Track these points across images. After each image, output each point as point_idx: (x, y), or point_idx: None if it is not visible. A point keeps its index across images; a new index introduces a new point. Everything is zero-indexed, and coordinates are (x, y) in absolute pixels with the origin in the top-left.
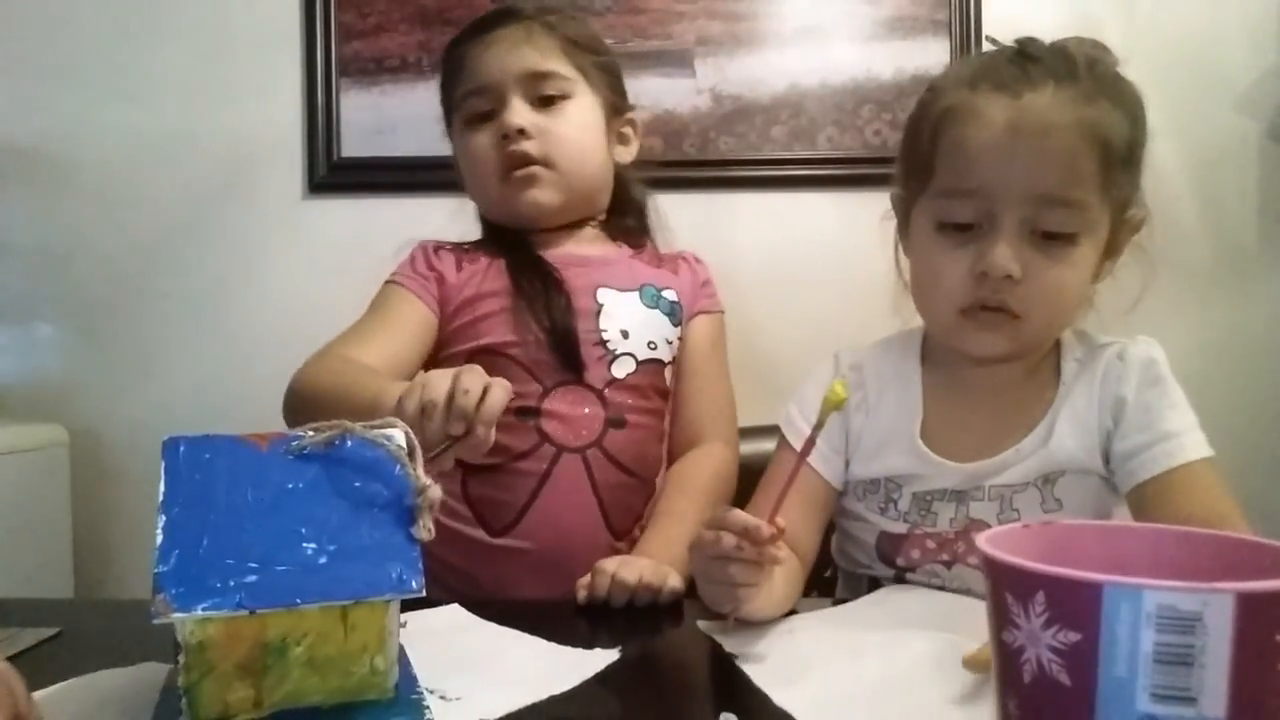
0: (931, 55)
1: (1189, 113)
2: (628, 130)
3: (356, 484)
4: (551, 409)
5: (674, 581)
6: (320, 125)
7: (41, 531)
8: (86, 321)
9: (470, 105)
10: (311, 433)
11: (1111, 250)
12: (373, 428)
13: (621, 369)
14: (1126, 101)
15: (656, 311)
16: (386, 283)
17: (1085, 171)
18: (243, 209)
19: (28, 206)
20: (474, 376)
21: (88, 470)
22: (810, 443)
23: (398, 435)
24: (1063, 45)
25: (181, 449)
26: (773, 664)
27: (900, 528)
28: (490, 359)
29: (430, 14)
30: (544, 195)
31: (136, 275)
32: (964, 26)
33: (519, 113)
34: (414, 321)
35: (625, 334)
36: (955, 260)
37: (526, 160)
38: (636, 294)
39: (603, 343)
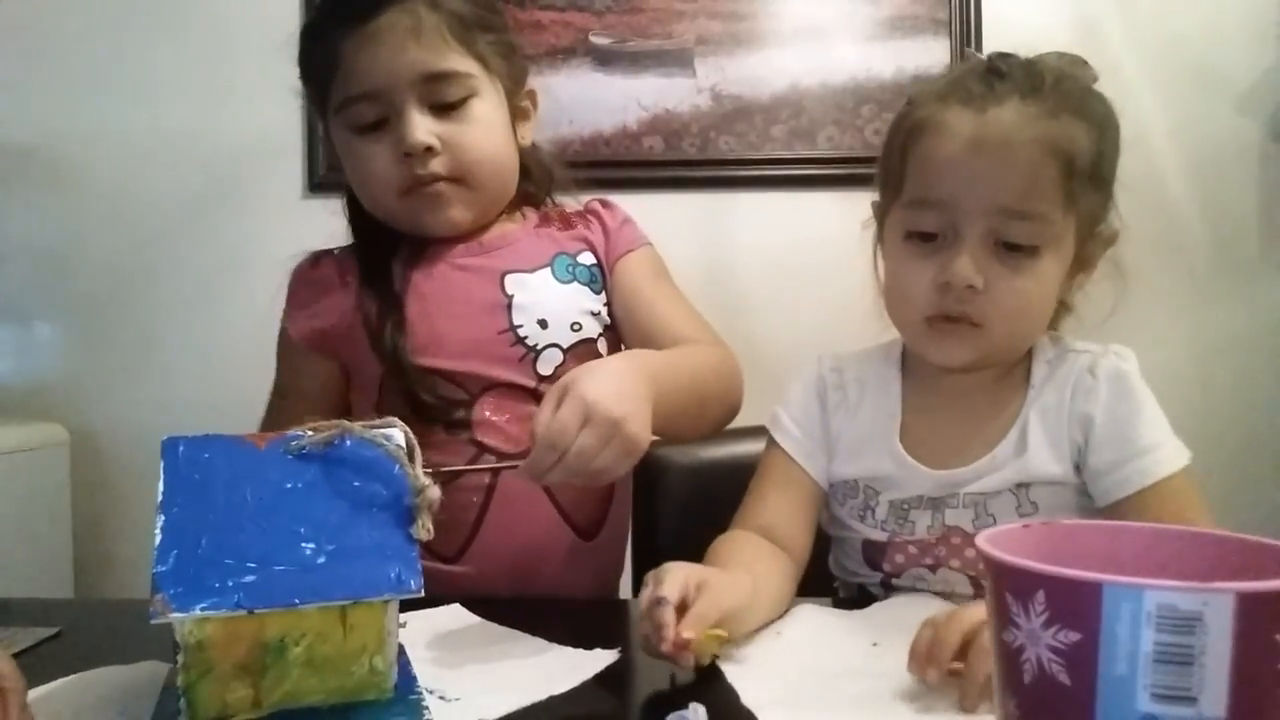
0: (931, 55)
1: (1189, 113)
2: (526, 104)
3: (355, 484)
4: (482, 418)
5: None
6: (320, 125)
7: (41, 531)
8: (86, 321)
9: (357, 112)
10: (310, 432)
11: (1083, 264)
12: (372, 428)
13: (548, 364)
14: (1093, 117)
15: (574, 284)
16: (282, 324)
17: (1046, 185)
18: (243, 209)
19: (28, 206)
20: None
21: (88, 470)
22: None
23: (396, 435)
24: (1033, 60)
25: (181, 449)
26: (752, 667)
27: (880, 535)
28: (409, 373)
29: None
30: (458, 214)
31: (136, 275)
32: (964, 26)
33: (421, 127)
34: (323, 381)
35: (544, 324)
36: (920, 270)
37: (435, 179)
38: (548, 270)
39: (521, 340)
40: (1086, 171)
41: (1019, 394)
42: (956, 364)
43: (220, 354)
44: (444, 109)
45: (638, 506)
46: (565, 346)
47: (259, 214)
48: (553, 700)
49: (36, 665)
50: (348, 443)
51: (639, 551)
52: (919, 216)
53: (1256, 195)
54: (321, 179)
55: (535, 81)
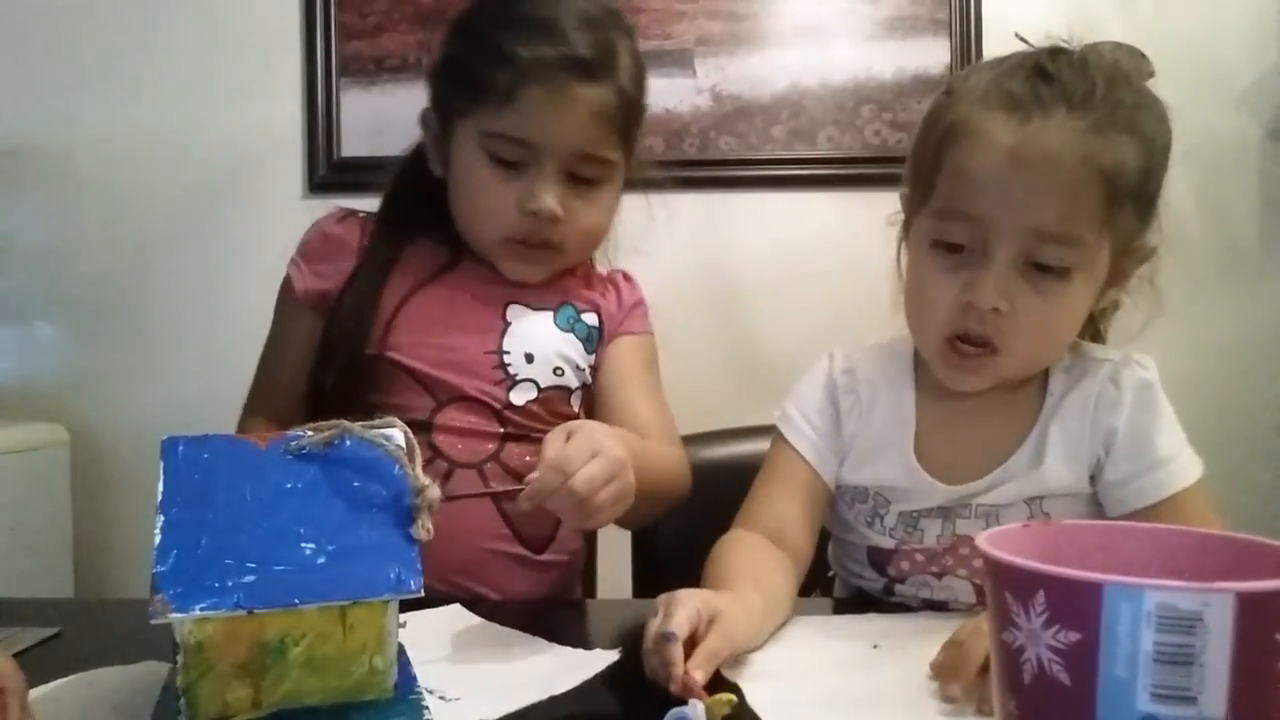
0: (931, 55)
1: (1189, 113)
2: None
3: (355, 484)
4: (444, 423)
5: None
6: (320, 125)
7: (41, 531)
8: (86, 321)
9: (502, 147)
10: (310, 432)
11: (1115, 279)
12: (372, 428)
13: (521, 395)
14: (1144, 131)
15: (570, 335)
16: (288, 273)
17: (1086, 207)
18: (243, 209)
19: (28, 206)
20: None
21: (88, 470)
22: None
23: (396, 435)
24: (1086, 59)
25: (180, 449)
26: (752, 666)
27: (888, 543)
28: (381, 368)
29: (430, 13)
30: (542, 274)
31: (137, 275)
32: (964, 26)
33: (554, 195)
34: (315, 340)
35: (529, 358)
36: (944, 285)
37: (545, 243)
38: (552, 314)
39: (502, 365)
40: (1130, 191)
41: (1034, 403)
42: (970, 391)
43: (220, 354)
44: (580, 182)
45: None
46: (542, 386)
47: (259, 214)
48: (553, 700)
49: (36, 665)
50: (348, 443)
51: (639, 552)
52: (947, 227)
53: (1256, 195)
54: (321, 179)
55: None
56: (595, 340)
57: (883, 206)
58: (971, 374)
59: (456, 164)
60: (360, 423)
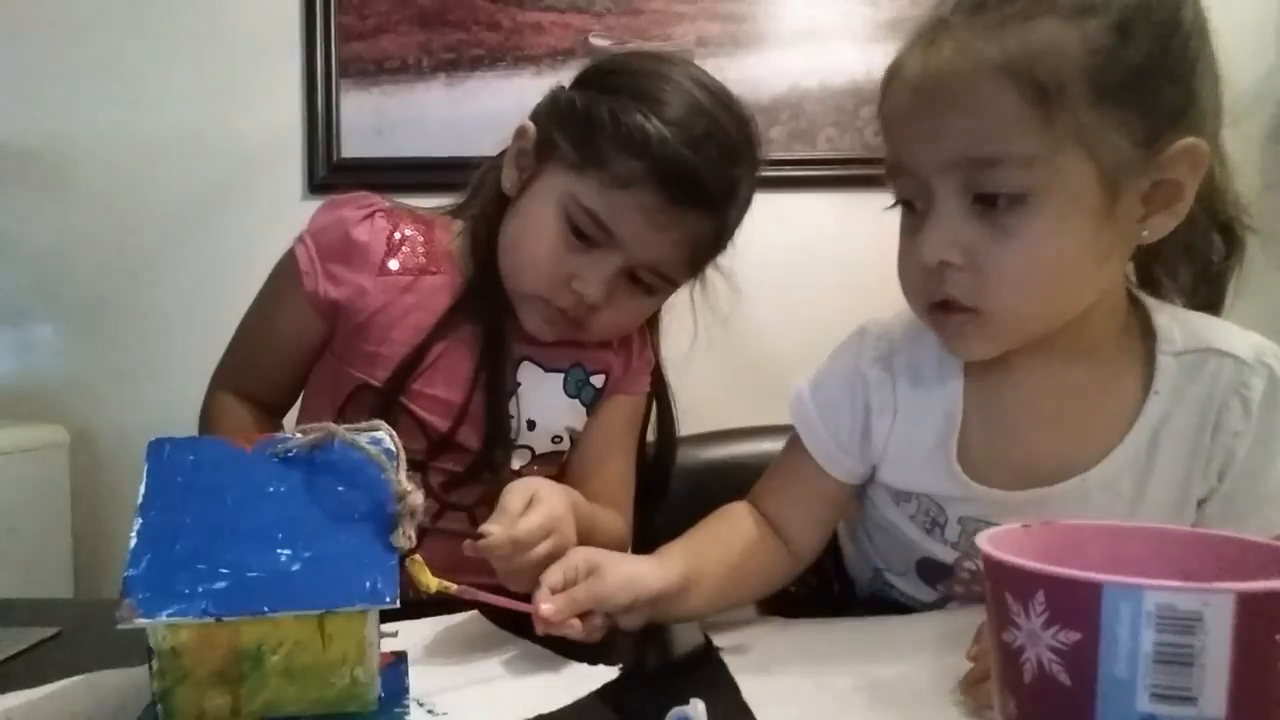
0: None
1: None
2: None
3: (339, 489)
4: (439, 466)
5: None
6: (320, 125)
7: (41, 531)
8: (86, 321)
9: (582, 218)
10: (299, 434)
11: (1162, 197)
12: (358, 431)
13: (516, 460)
14: (1083, 7)
15: (576, 401)
16: (295, 253)
17: (1005, 116)
18: (243, 209)
19: (28, 206)
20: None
21: (88, 470)
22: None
23: (383, 439)
24: None
25: (166, 450)
26: (754, 663)
27: (948, 555)
28: (391, 407)
29: (430, 15)
30: (552, 336)
31: (136, 275)
32: None
33: (605, 286)
34: (311, 334)
35: (531, 425)
36: (907, 249)
37: (572, 318)
38: (562, 377)
39: None
40: (1078, 80)
41: (1129, 400)
42: (979, 359)
43: (220, 354)
44: (636, 283)
45: (638, 506)
46: (538, 452)
47: (259, 214)
48: (540, 719)
49: (36, 665)
50: (335, 445)
51: (639, 552)
52: (896, 185)
53: (1257, 195)
54: (322, 179)
55: (535, 83)
56: (595, 400)
57: (882, 207)
58: (965, 340)
59: (531, 203)
60: (345, 425)
